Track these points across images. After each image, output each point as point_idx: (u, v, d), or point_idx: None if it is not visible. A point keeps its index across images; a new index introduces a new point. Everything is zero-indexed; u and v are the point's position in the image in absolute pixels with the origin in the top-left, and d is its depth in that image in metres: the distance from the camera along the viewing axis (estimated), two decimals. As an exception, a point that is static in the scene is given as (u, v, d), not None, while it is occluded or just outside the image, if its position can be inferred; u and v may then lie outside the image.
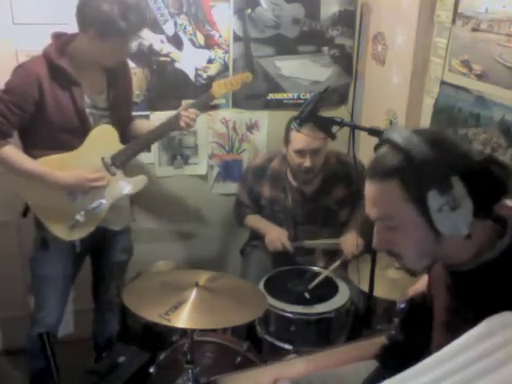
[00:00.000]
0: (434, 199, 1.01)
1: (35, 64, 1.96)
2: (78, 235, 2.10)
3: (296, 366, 1.26)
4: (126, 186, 2.19)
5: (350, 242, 2.47)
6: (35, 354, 2.30)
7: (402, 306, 1.40)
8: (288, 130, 2.43)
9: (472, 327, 0.94)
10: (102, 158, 2.09)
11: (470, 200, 1.02)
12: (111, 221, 2.20)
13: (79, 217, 2.06)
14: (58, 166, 2.01)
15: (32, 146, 2.02)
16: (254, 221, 2.66)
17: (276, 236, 2.49)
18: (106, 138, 2.10)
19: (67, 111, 1.99)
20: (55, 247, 2.12)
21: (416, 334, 1.29)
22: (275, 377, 1.28)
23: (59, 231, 2.07)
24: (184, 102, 2.72)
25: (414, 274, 1.16)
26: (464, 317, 1.09)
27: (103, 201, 2.11)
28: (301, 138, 2.33)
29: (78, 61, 2.00)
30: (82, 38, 1.97)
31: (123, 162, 2.14)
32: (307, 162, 2.42)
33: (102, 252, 2.32)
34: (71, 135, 2.02)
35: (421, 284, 1.52)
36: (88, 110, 2.05)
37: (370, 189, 1.10)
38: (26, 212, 2.14)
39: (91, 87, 2.06)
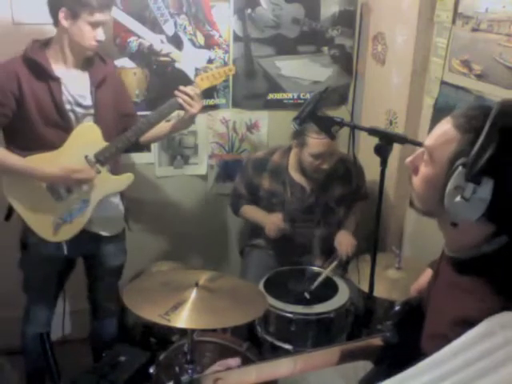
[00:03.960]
0: (458, 176, 1.03)
1: (13, 62, 2.00)
2: (62, 237, 2.09)
3: (283, 365, 1.25)
4: (111, 184, 2.17)
5: (344, 242, 2.48)
6: (30, 354, 2.31)
7: (397, 308, 1.41)
8: (301, 132, 2.36)
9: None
10: (86, 156, 2.08)
11: (485, 206, 1.02)
12: (100, 226, 2.19)
13: (64, 217, 2.06)
14: (41, 165, 2.00)
15: (15, 147, 2.01)
16: (250, 211, 2.66)
17: (272, 223, 2.49)
18: (89, 136, 2.08)
19: (45, 105, 2.00)
20: (39, 249, 2.12)
21: (410, 336, 1.29)
22: (261, 376, 1.26)
23: (44, 232, 2.07)
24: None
25: (414, 207, 1.21)
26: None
27: (88, 200, 2.10)
28: (319, 143, 2.33)
29: (58, 56, 2.04)
30: (58, 31, 2.02)
31: (107, 159, 2.11)
32: (326, 165, 2.44)
33: (93, 257, 2.30)
34: (53, 133, 2.02)
35: (423, 280, 1.52)
36: (69, 107, 2.05)
37: (444, 124, 1.14)
38: (8, 216, 2.13)
39: (73, 84, 2.06)
